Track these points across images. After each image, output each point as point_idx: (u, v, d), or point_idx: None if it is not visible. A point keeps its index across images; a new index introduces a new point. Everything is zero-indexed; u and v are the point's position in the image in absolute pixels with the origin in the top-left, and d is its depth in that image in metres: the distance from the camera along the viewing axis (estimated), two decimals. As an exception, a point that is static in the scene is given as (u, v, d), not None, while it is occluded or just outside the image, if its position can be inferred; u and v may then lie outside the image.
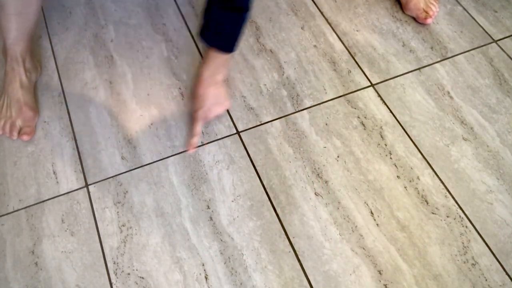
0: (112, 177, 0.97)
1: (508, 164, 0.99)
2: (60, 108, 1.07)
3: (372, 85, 1.11)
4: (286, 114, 1.06)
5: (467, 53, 1.16)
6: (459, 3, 1.26)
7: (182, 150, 1.01)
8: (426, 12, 1.20)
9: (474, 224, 0.92)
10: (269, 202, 0.94)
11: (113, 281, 0.86)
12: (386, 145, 1.02)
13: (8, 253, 0.88)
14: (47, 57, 1.15)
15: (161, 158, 1.00)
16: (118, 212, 0.93)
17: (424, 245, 0.89)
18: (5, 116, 1.00)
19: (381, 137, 1.03)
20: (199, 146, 1.01)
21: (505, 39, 1.18)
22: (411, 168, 0.98)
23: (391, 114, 1.06)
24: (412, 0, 1.20)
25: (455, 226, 0.92)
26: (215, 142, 1.02)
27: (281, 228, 0.91)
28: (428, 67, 1.13)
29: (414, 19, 1.22)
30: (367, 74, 1.12)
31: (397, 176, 0.97)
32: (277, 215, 0.93)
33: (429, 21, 1.20)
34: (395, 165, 0.99)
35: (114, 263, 0.88)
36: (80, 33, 1.19)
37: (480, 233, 0.91)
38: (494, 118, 1.05)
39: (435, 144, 1.02)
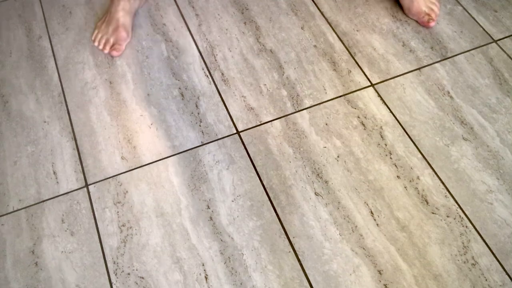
0: (112, 177, 0.97)
1: (508, 164, 0.99)
2: (60, 108, 1.07)
3: (372, 85, 1.11)
4: (286, 114, 1.06)
5: (467, 53, 1.16)
6: (459, 3, 1.26)
7: (182, 150, 1.01)
8: (429, 15, 1.19)
9: (474, 224, 0.92)
10: (269, 202, 0.94)
11: (113, 281, 0.86)
12: (386, 145, 1.02)
13: (8, 253, 0.88)
14: (47, 57, 1.15)
15: (161, 158, 1.00)
16: (118, 212, 0.93)
17: (424, 245, 0.89)
18: (103, 31, 1.16)
19: (381, 137, 1.03)
20: (199, 146, 1.01)
21: (505, 39, 1.18)
22: (411, 168, 0.98)
23: (391, 114, 1.06)
24: (414, 5, 1.20)
25: (455, 226, 0.92)
26: (215, 142, 1.02)
27: (281, 228, 0.91)
28: (428, 67, 1.13)
29: (417, 21, 1.22)
30: (367, 74, 1.12)
31: (397, 176, 0.97)
32: (277, 215, 0.93)
33: (432, 24, 1.19)
34: (395, 165, 0.99)
35: (114, 263, 0.88)
36: (80, 33, 1.19)
37: (480, 233, 0.91)
38: (494, 118, 1.05)
39: (435, 144, 1.02)
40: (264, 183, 0.96)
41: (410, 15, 1.21)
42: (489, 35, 1.19)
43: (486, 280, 0.86)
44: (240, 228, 0.91)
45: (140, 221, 0.92)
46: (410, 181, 0.97)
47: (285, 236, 0.90)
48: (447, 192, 0.95)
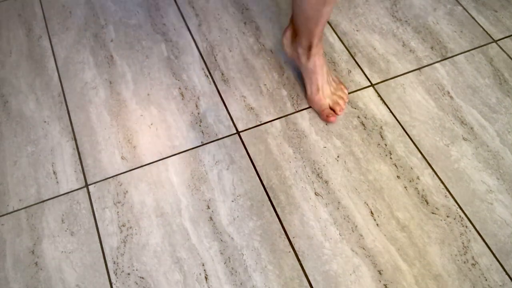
0: (112, 177, 0.97)
1: (508, 164, 0.99)
2: (60, 108, 1.07)
3: (372, 85, 1.11)
4: (286, 114, 1.06)
5: (467, 53, 1.16)
6: (459, 3, 1.26)
7: (182, 150, 1.01)
8: (332, 109, 1.04)
9: (474, 224, 0.92)
10: (269, 202, 0.94)
11: (113, 281, 0.86)
12: (386, 145, 1.02)
13: (8, 253, 0.88)
14: (47, 57, 1.15)
15: (161, 158, 1.00)
16: (118, 212, 0.93)
17: (424, 245, 0.89)
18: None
19: (381, 137, 1.03)
20: (199, 146, 1.01)
21: (505, 39, 1.18)
22: (411, 168, 0.98)
23: (391, 114, 1.06)
24: (316, 94, 1.03)
25: (455, 226, 0.92)
26: (215, 142, 1.02)
27: (281, 228, 0.91)
28: (428, 67, 1.13)
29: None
30: (367, 74, 1.12)
31: (397, 176, 0.97)
32: (277, 215, 0.93)
33: (332, 119, 1.02)
34: (395, 165, 0.99)
35: (114, 263, 0.88)
36: (80, 33, 1.19)
37: (480, 233, 0.91)
38: (494, 118, 1.05)
39: (435, 144, 1.02)
40: (264, 183, 0.96)
41: (311, 103, 1.05)
42: (489, 35, 1.19)
43: (486, 280, 0.86)
44: (240, 228, 0.91)
45: (140, 221, 0.92)
46: (410, 181, 0.97)
47: (285, 236, 0.90)
48: (447, 192, 0.95)
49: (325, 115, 1.03)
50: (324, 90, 1.03)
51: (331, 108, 1.03)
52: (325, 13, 0.89)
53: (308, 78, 1.03)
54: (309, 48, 0.99)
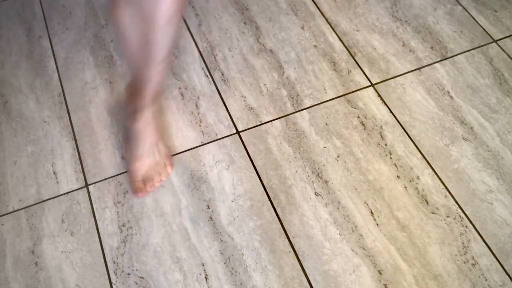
0: (112, 177, 0.97)
1: (508, 164, 0.99)
2: (60, 108, 1.07)
3: (372, 85, 1.11)
4: (286, 114, 1.06)
5: (467, 53, 1.16)
6: (459, 3, 1.26)
7: (182, 150, 1.01)
8: (143, 183, 0.92)
9: (474, 224, 0.92)
10: (269, 202, 0.94)
11: (113, 281, 0.86)
12: (386, 145, 1.02)
13: (8, 253, 0.88)
14: (47, 57, 1.15)
15: (161, 158, 0.99)
16: (118, 212, 0.93)
17: (424, 245, 0.89)
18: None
19: (381, 137, 1.03)
20: (199, 146, 1.01)
21: (505, 39, 1.18)
22: (411, 168, 0.98)
23: (391, 114, 1.06)
24: (132, 161, 0.92)
25: (455, 226, 0.92)
26: (215, 142, 1.02)
27: (281, 228, 0.91)
28: (428, 67, 1.13)
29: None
30: (367, 74, 1.12)
31: (397, 176, 0.97)
32: (277, 215, 0.93)
33: (139, 195, 0.92)
34: (395, 165, 0.99)
35: (114, 263, 0.88)
36: (80, 33, 1.19)
37: (480, 233, 0.91)
38: (494, 118, 1.05)
39: (435, 144, 1.02)
40: (264, 183, 0.96)
41: (128, 170, 0.95)
42: (489, 35, 1.19)
43: (486, 280, 0.86)
44: (240, 228, 0.91)
45: (140, 221, 0.92)
46: (410, 181, 0.97)
47: (285, 236, 0.90)
48: (447, 192, 0.95)
49: (134, 189, 0.92)
50: (141, 161, 0.91)
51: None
52: (153, 76, 0.77)
53: (131, 143, 0.93)
54: (134, 111, 0.88)
